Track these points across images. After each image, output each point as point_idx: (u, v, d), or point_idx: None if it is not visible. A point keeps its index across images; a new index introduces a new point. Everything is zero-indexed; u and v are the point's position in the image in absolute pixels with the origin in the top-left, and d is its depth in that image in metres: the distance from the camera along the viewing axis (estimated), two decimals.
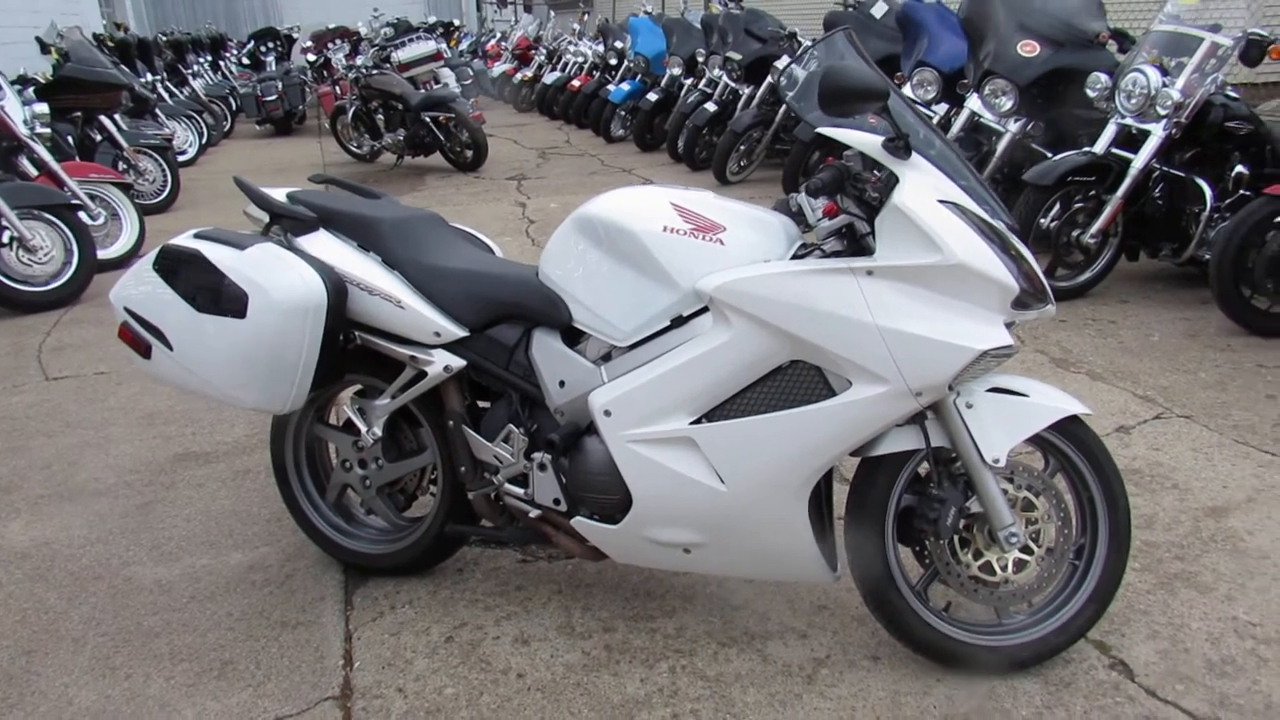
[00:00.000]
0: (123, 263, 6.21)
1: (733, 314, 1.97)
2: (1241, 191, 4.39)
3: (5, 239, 5.22)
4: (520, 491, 2.31)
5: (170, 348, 2.23)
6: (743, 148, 7.87)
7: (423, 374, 2.32)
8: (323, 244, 2.35)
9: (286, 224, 2.38)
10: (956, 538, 2.09)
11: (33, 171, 5.93)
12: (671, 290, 2.05)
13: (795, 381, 1.99)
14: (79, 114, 7.49)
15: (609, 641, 2.31)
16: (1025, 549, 2.08)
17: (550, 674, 2.21)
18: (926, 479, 2.11)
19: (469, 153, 9.20)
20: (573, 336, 2.24)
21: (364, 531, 2.66)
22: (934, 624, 2.10)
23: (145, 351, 2.27)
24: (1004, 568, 2.08)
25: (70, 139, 7.37)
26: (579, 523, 2.23)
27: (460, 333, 2.28)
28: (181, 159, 9.79)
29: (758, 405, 2.01)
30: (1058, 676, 2.12)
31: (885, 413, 1.93)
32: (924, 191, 1.87)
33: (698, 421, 2.04)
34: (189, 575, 2.69)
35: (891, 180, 1.90)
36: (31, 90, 7.32)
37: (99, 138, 7.62)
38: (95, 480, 3.29)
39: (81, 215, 5.81)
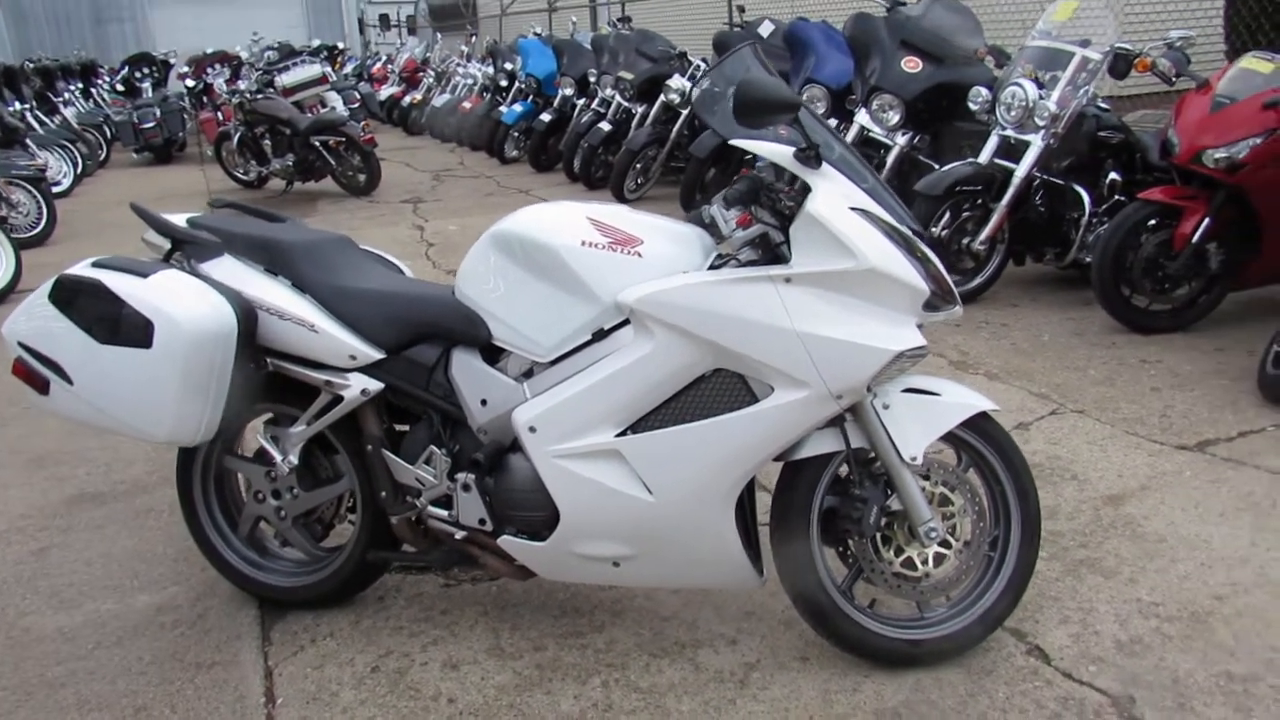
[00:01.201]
0: (0, 298, 5.91)
1: (654, 325, 1.99)
2: (1116, 197, 4.65)
3: None
4: (444, 514, 2.27)
5: (70, 382, 2.13)
6: (639, 165, 7.95)
7: (339, 399, 2.27)
8: (228, 269, 2.29)
9: (189, 250, 2.30)
10: (878, 535, 2.14)
11: None
12: (592, 304, 2.06)
13: (718, 390, 2.02)
14: None
15: (540, 660, 2.29)
16: (944, 543, 2.15)
17: (482, 697, 2.18)
18: (847, 480, 2.16)
19: (361, 176, 9.05)
20: (493, 354, 2.22)
21: (279, 564, 2.57)
22: (861, 621, 2.15)
23: (43, 388, 2.16)
24: (924, 562, 2.15)
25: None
26: (506, 541, 2.21)
27: (377, 355, 2.24)
28: (56, 190, 9.34)
29: (682, 415, 2.03)
30: (979, 665, 2.19)
31: (807, 416, 1.98)
32: (835, 199, 1.93)
33: (623, 434, 2.05)
34: (93, 621, 2.56)
35: (804, 189, 1.96)
36: None
37: None
38: None
39: None
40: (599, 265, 2.05)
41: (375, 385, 2.25)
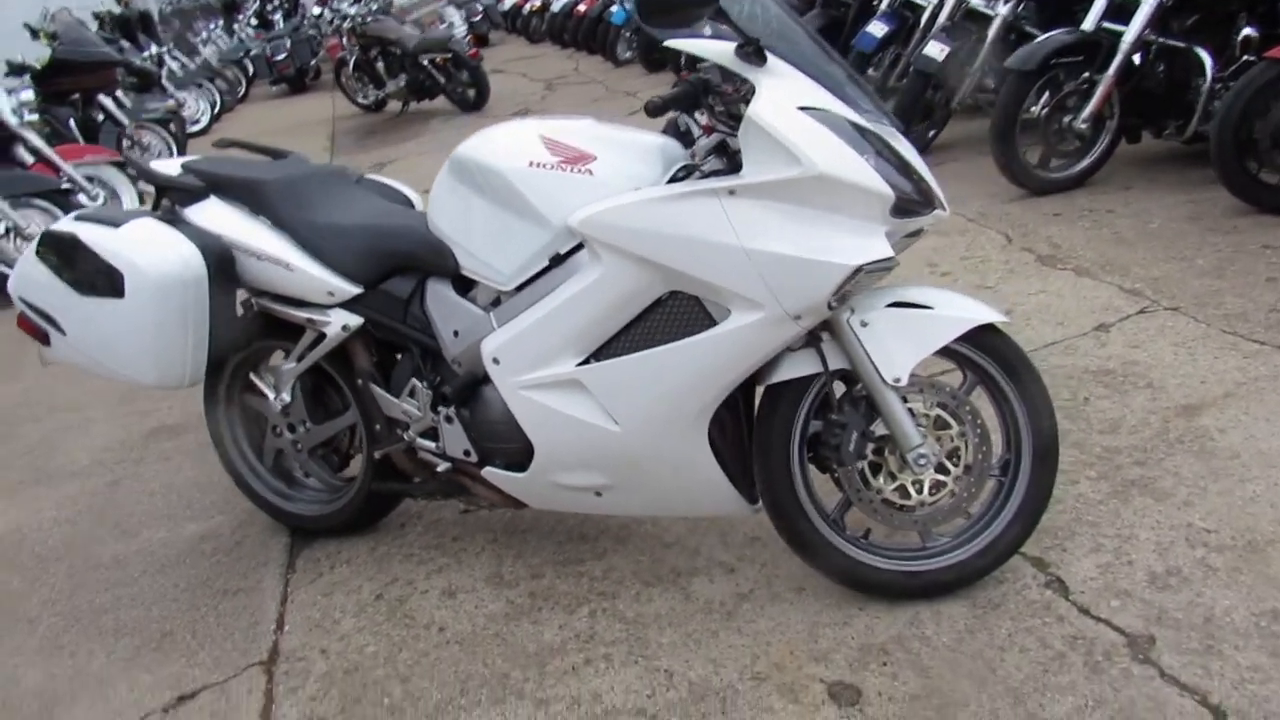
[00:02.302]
0: None
1: (600, 248, 1.88)
2: (1247, 57, 4.06)
3: (2, 229, 5.30)
4: (432, 445, 2.27)
5: (64, 333, 2.22)
6: None
7: (323, 335, 2.27)
8: (210, 212, 2.30)
9: (174, 195, 2.33)
10: (866, 463, 1.99)
11: (29, 159, 5.99)
12: (544, 228, 1.95)
13: (675, 314, 1.89)
14: (77, 96, 7.54)
15: (534, 588, 2.28)
16: (941, 468, 1.98)
17: (471, 626, 2.19)
18: (835, 403, 2.00)
19: (470, 92, 9.07)
20: (466, 285, 2.16)
21: (304, 494, 2.65)
22: (848, 552, 2.02)
23: (44, 339, 2.27)
24: (919, 490, 1.98)
25: (71, 122, 7.43)
26: (490, 473, 2.18)
27: (354, 290, 2.23)
28: (195, 128, 9.85)
29: (640, 341, 1.92)
30: (986, 598, 2.03)
31: (768, 339, 1.83)
32: (780, 99, 1.74)
33: (585, 363, 1.97)
34: (144, 550, 2.73)
35: (749, 90, 1.77)
36: (29, 77, 7.37)
37: (100, 117, 7.68)
38: (71, 462, 3.35)
39: (80, 197, 5.85)
40: (548, 186, 1.93)
41: (355, 320, 2.24)
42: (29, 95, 6.12)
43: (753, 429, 2.04)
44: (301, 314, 2.28)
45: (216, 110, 10.88)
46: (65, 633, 2.41)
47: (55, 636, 2.40)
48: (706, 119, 1.92)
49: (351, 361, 2.33)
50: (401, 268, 2.21)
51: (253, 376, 2.48)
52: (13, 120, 5.90)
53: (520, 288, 2.04)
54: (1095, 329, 3.13)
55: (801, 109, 1.74)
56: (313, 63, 12.95)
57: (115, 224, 2.16)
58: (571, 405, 1.99)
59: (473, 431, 2.18)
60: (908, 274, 3.73)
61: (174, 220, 2.24)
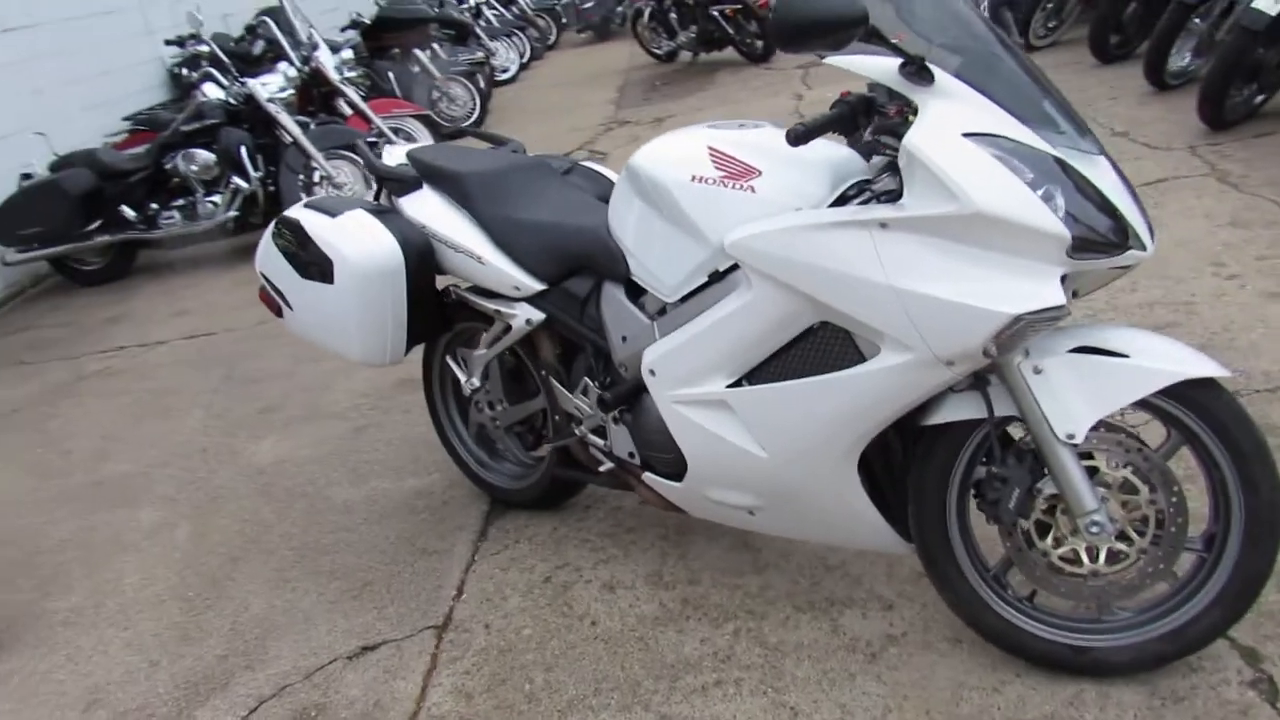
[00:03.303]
0: None
1: (750, 272, 1.80)
2: None
3: (317, 178, 5.97)
4: (601, 443, 2.31)
5: (291, 309, 2.48)
6: (1049, 4, 6.88)
7: (509, 327, 2.37)
8: (420, 203, 2.45)
9: (391, 186, 2.51)
10: (1034, 521, 1.79)
11: (347, 112, 6.68)
12: (703, 244, 1.91)
13: (824, 345, 1.79)
14: (397, 50, 8.27)
15: (688, 595, 2.29)
16: (1124, 536, 1.74)
17: (621, 624, 2.24)
18: (997, 452, 1.81)
19: (758, 44, 8.93)
20: (640, 290, 2.16)
21: (502, 466, 2.81)
22: (1003, 613, 1.84)
23: (278, 312, 2.54)
24: (1094, 558, 1.76)
25: (391, 75, 8.17)
26: (650, 478, 2.20)
27: (537, 286, 2.30)
28: (503, 77, 10.48)
29: (789, 370, 1.84)
30: (1170, 688, 1.78)
31: (919, 381, 1.69)
32: (943, 125, 1.56)
33: (736, 384, 1.92)
34: (369, 498, 3.02)
35: (914, 111, 1.61)
36: (358, 32, 8.19)
37: (416, 69, 8.38)
38: (335, 404, 3.76)
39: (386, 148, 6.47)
40: (708, 202, 1.88)
41: (538, 315, 2.32)
42: (349, 55, 6.77)
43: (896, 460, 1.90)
44: (490, 305, 2.39)
45: (525, 59, 11.50)
46: (292, 568, 2.73)
47: (284, 570, 2.73)
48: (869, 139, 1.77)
49: (538, 352, 2.42)
50: (582, 268, 2.25)
51: (448, 359, 2.64)
52: (335, 77, 6.58)
53: (683, 300, 2.01)
54: None
55: (968, 135, 1.56)
56: (618, 9, 13.30)
57: (333, 214, 2.36)
58: (721, 426, 1.95)
59: (635, 436, 2.20)
60: (1180, 271, 3.28)
61: (385, 211, 2.41)
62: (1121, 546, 1.74)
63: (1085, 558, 1.76)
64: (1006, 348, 1.62)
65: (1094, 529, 1.70)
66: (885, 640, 2.03)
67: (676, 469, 2.12)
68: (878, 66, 1.61)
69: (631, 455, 2.23)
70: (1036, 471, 1.75)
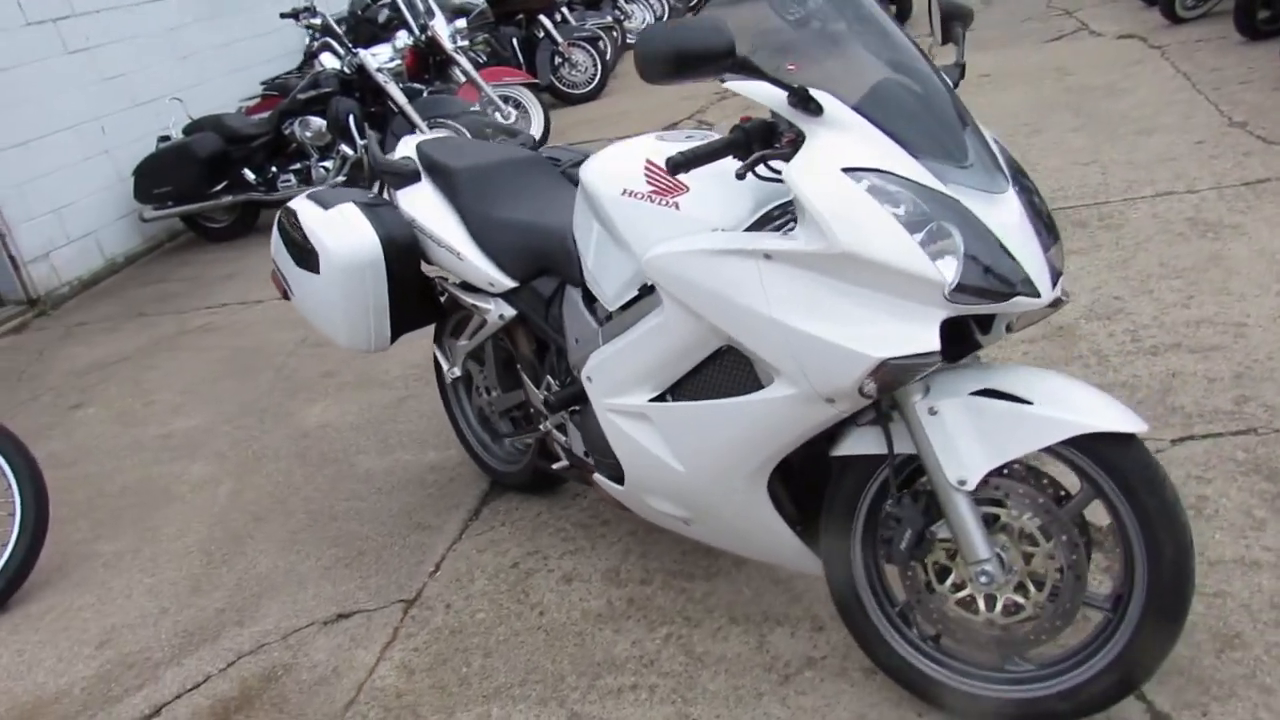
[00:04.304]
0: None
1: (661, 290, 1.81)
2: None
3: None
4: (562, 439, 2.37)
5: (293, 293, 2.63)
6: None
7: (485, 321, 2.45)
8: (415, 197, 2.55)
9: (390, 179, 2.61)
10: (933, 563, 1.74)
11: (460, 79, 6.90)
12: (631, 258, 1.92)
13: (731, 369, 1.79)
14: (521, 16, 8.42)
15: (636, 595, 2.33)
16: (1023, 588, 1.67)
17: (566, 617, 2.31)
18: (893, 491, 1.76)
19: (892, 7, 8.59)
20: (594, 296, 2.20)
21: (499, 448, 2.91)
22: (902, 651, 1.80)
23: (285, 295, 2.70)
24: (991, 607, 1.70)
25: (514, 41, 8.34)
26: (598, 478, 2.25)
27: (509, 283, 2.36)
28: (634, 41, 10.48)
29: (702, 390, 1.85)
30: None
31: (807, 415, 1.66)
32: (823, 158, 1.52)
33: (660, 398, 1.93)
34: (390, 468, 3.19)
35: (802, 141, 1.57)
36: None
37: (540, 34, 8.51)
38: (386, 373, 3.95)
39: (495, 115, 6.65)
40: (634, 217, 1.89)
41: (510, 311, 2.39)
42: (462, 24, 6.95)
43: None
44: (468, 299, 2.47)
45: (664, 20, 11.44)
46: (304, 530, 2.93)
47: (296, 532, 2.93)
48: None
49: (516, 345, 2.50)
50: (547, 269, 2.30)
51: (434, 347, 2.75)
52: (449, 46, 6.80)
53: (622, 309, 2.03)
54: None
55: (848, 170, 1.51)
56: None
57: (326, 206, 2.49)
58: (646, 438, 1.97)
59: (585, 437, 2.25)
60: (1244, 287, 3.03)
61: (376, 205, 2.52)
62: (1018, 599, 1.68)
63: (983, 606, 1.71)
64: (889, 389, 1.57)
65: (983, 579, 1.64)
66: (804, 662, 2.02)
67: (618, 473, 2.16)
68: (770, 94, 1.58)
69: (586, 454, 2.28)
70: (932, 514, 1.70)
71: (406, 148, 2.70)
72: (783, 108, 1.57)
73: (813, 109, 1.54)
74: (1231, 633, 1.86)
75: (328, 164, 6.30)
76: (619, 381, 1.99)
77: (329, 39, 6.63)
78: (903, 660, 1.80)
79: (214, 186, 6.37)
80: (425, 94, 6.30)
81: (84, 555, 3.04)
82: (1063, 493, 1.68)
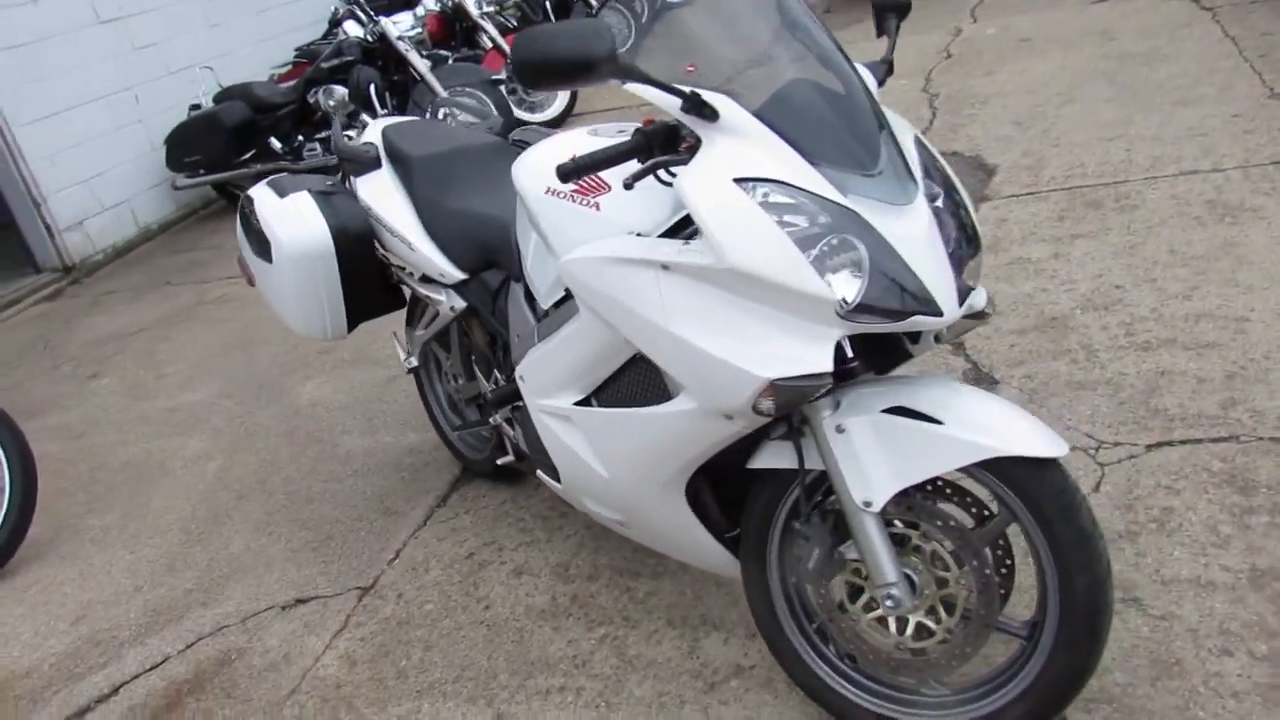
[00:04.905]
0: (550, 126, 6.96)
1: (575, 296, 1.76)
2: None
3: (441, 114, 6.18)
4: (510, 433, 2.35)
5: (255, 280, 2.63)
6: None
7: (438, 312, 2.43)
8: (372, 185, 2.52)
9: (349, 166, 2.59)
10: (845, 582, 1.68)
11: (487, 45, 6.84)
12: (555, 258, 1.88)
13: (642, 378, 1.75)
14: None
15: (580, 592, 2.31)
16: (934, 612, 1.61)
17: (510, 612, 2.30)
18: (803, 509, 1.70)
19: None
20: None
21: (469, 436, 2.90)
22: (815, 669, 1.76)
23: (251, 281, 2.70)
24: (901, 630, 1.64)
25: (546, 6, 8.23)
26: (540, 475, 2.23)
27: (458, 275, 2.33)
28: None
29: (619, 397, 1.81)
30: None
31: (709, 429, 1.61)
32: (715, 167, 1.45)
33: (585, 402, 1.90)
34: (370, 450, 3.21)
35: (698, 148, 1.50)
36: None
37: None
38: (379, 351, 3.95)
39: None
40: (555, 217, 1.84)
41: (460, 303, 2.36)
42: None
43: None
44: (422, 289, 2.45)
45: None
46: (279, 511, 2.97)
47: (271, 514, 2.97)
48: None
49: (471, 336, 2.47)
50: (493, 262, 2.26)
51: (394, 336, 2.73)
52: (475, 11, 6.75)
53: (555, 307, 2.00)
54: None
55: (740, 180, 1.44)
56: None
57: (282, 194, 2.48)
58: (573, 440, 1.94)
59: (525, 434, 2.22)
60: (1252, 279, 2.87)
61: (331, 193, 2.50)
62: (929, 622, 1.62)
63: (892, 628, 1.65)
64: (788, 407, 1.51)
65: (889, 602, 1.58)
66: (732, 670, 1.98)
67: (554, 471, 2.13)
68: (665, 100, 1.51)
69: (529, 451, 2.26)
70: (842, 533, 1.64)
71: (372, 133, 2.68)
72: (678, 113, 1.50)
73: (708, 114, 1.47)
74: (1172, 659, 1.78)
75: (352, 132, 6.30)
76: (547, 383, 1.95)
77: (353, 5, 6.60)
78: (818, 679, 1.76)
79: (241, 155, 6.43)
80: (450, 61, 6.26)
81: (75, 529, 3.12)
82: (986, 512, 1.62)
